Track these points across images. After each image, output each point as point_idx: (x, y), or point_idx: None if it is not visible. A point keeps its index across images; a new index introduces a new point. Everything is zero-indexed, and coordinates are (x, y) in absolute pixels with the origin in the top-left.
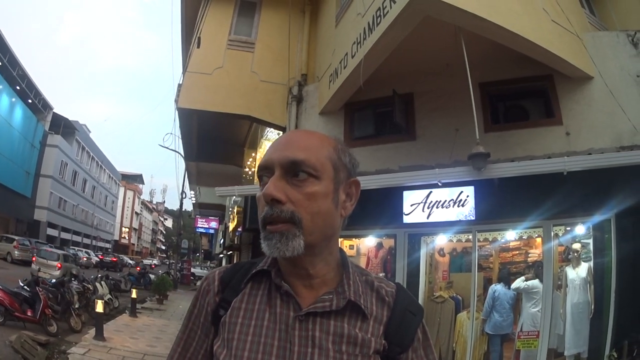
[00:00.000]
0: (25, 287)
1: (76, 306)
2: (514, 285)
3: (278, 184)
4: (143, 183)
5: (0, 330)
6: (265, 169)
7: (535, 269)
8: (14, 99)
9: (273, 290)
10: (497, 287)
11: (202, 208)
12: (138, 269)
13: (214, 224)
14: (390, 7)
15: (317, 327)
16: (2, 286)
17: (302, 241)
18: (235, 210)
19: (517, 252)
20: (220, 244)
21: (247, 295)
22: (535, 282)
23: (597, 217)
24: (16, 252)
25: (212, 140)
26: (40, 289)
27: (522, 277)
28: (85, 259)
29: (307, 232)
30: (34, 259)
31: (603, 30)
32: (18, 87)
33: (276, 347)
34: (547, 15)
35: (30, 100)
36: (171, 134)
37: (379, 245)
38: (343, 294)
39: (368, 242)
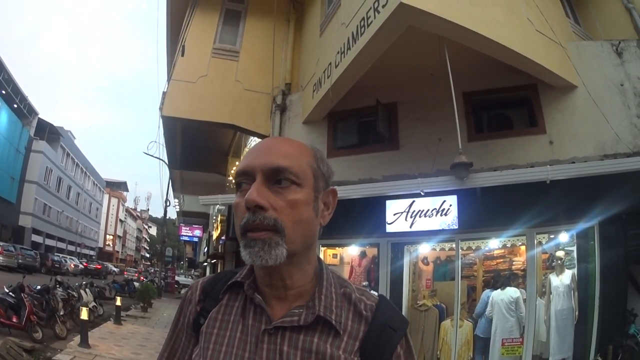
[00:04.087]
0: (10, 293)
1: (61, 313)
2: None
3: (261, 190)
4: (127, 190)
5: None
6: (245, 175)
7: (504, 280)
8: None
9: (248, 302)
10: (492, 293)
11: (186, 216)
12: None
13: (198, 232)
14: (374, 17)
15: (285, 341)
16: None
17: (284, 250)
18: (219, 219)
19: (501, 260)
20: (204, 253)
21: (223, 306)
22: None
23: (581, 225)
24: (0, 257)
25: (196, 148)
26: (25, 296)
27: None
28: (73, 266)
29: (289, 241)
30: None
31: (587, 39)
32: (3, 92)
33: (246, 359)
34: (531, 25)
35: (15, 105)
36: (155, 142)
37: (362, 254)
38: (313, 309)
39: (351, 251)
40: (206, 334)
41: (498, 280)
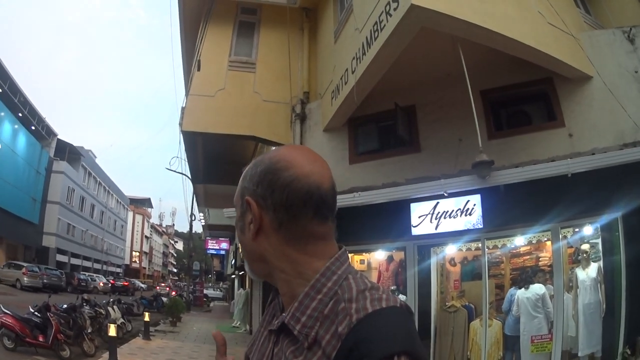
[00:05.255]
0: (36, 313)
1: (89, 331)
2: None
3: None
4: (152, 207)
5: (12, 356)
6: None
7: (527, 278)
8: (16, 126)
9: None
10: (516, 292)
11: (212, 229)
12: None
13: (224, 245)
14: (387, 21)
15: (279, 342)
16: (12, 312)
17: (248, 267)
18: None
19: (528, 256)
20: (231, 265)
21: (271, 307)
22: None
23: (605, 217)
24: (25, 278)
25: (218, 161)
26: (52, 315)
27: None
28: (102, 284)
29: (245, 260)
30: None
31: (599, 28)
32: (20, 114)
33: (266, 354)
34: (542, 18)
35: (33, 127)
36: (177, 157)
37: (390, 259)
38: (285, 316)
39: (378, 256)
40: (257, 331)
41: (523, 278)
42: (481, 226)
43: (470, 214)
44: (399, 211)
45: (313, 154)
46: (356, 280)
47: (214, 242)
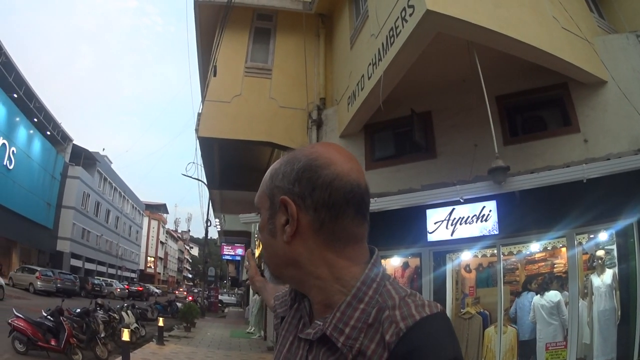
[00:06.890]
0: (49, 317)
1: (102, 335)
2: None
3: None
4: (167, 212)
5: None
6: None
7: (543, 284)
8: (31, 131)
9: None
10: (519, 300)
11: (228, 235)
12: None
13: (240, 251)
14: (403, 26)
15: (313, 350)
16: (25, 316)
17: (268, 272)
18: None
19: (543, 263)
20: (246, 271)
21: (294, 310)
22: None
23: (620, 223)
24: (39, 282)
25: (234, 167)
26: (65, 319)
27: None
28: (119, 290)
29: (266, 264)
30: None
31: (613, 33)
32: (35, 120)
33: None
34: (557, 23)
35: (48, 132)
36: (193, 163)
37: (405, 265)
38: (324, 325)
39: (394, 262)
40: (278, 335)
41: (528, 285)
42: (497, 232)
43: (485, 220)
44: (414, 217)
45: (347, 151)
46: (394, 286)
47: (230, 248)
